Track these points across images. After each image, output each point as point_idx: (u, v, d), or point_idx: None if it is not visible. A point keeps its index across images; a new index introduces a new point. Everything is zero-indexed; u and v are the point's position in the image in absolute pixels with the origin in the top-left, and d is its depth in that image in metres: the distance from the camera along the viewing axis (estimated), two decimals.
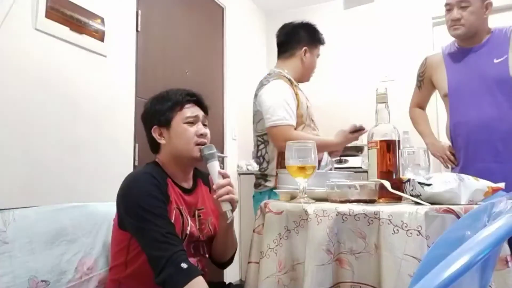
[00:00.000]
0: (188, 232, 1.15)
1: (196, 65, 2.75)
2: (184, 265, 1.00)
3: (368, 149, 1.14)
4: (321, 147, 1.61)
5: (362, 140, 3.10)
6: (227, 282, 1.44)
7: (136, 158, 2.10)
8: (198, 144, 1.17)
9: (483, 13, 1.71)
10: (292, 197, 1.15)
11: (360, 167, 2.90)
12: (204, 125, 1.23)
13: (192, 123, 1.19)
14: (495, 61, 1.67)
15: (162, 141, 1.19)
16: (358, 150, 3.06)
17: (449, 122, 1.84)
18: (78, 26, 1.77)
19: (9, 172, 1.48)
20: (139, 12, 2.22)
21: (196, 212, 1.22)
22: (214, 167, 1.15)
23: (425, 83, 1.95)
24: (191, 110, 1.20)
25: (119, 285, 1.18)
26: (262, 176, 1.73)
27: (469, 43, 1.76)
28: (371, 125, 1.18)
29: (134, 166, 2.05)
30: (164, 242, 1.03)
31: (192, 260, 1.14)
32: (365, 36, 3.46)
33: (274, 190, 1.55)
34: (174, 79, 2.52)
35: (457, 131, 1.79)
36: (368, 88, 3.19)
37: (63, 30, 1.70)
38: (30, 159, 1.56)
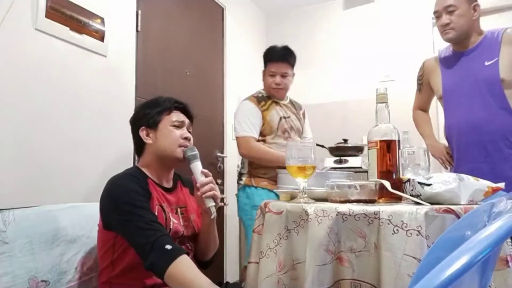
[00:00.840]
0: (171, 228, 1.19)
1: (196, 65, 2.75)
2: (168, 247, 1.05)
3: (368, 149, 1.14)
4: (269, 160, 1.93)
5: (363, 140, 3.12)
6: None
7: (136, 158, 2.09)
8: (181, 146, 1.25)
9: (471, 15, 1.74)
10: (292, 197, 1.15)
11: (360, 167, 2.90)
12: (189, 131, 1.32)
13: (178, 127, 1.28)
14: (486, 63, 1.70)
15: (148, 141, 1.27)
16: (358, 150, 3.06)
17: (444, 124, 1.88)
18: (78, 26, 1.77)
19: (9, 172, 1.48)
20: (139, 12, 2.22)
21: (179, 210, 1.28)
22: (197, 167, 1.23)
23: (424, 86, 1.99)
24: (178, 115, 1.30)
25: (110, 286, 1.19)
26: (239, 175, 2.11)
27: (462, 46, 1.79)
28: (371, 125, 1.18)
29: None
30: (148, 229, 1.08)
31: None
32: (365, 36, 3.46)
33: (247, 187, 1.99)
34: (174, 79, 2.52)
35: (450, 132, 1.83)
36: (368, 88, 3.20)
37: (63, 30, 1.70)
38: (30, 159, 1.56)
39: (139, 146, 1.30)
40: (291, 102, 2.20)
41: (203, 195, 1.19)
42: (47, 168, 1.62)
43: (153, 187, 1.23)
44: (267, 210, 1.08)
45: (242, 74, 3.33)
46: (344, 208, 0.94)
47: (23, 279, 1.11)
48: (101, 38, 1.90)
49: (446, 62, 1.86)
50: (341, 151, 3.08)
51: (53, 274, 1.20)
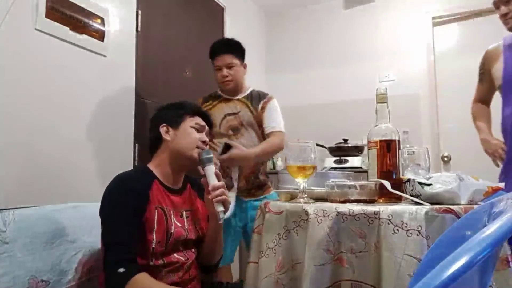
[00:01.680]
0: (172, 231, 1.18)
1: (196, 65, 2.75)
2: (121, 270, 1.05)
3: (368, 149, 1.14)
4: None
5: (363, 140, 3.12)
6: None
7: (136, 158, 2.10)
8: (197, 148, 1.27)
9: None
10: (292, 197, 1.15)
11: (360, 167, 2.90)
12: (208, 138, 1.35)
13: (198, 130, 1.31)
14: None
15: (167, 137, 1.28)
16: (358, 150, 3.06)
17: (502, 114, 1.79)
18: (78, 26, 1.77)
19: (9, 172, 1.48)
20: (139, 12, 2.22)
21: (184, 213, 1.27)
22: (210, 170, 1.23)
23: (485, 76, 1.91)
24: (200, 120, 1.33)
25: None
26: None
27: None
28: (371, 125, 1.18)
29: (134, 166, 2.05)
30: (113, 245, 1.09)
31: (181, 255, 1.21)
32: (365, 36, 3.46)
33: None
34: (174, 79, 2.52)
35: (506, 123, 1.75)
36: (368, 88, 3.20)
37: (63, 30, 1.70)
38: (30, 159, 1.56)
39: (155, 143, 1.31)
40: (250, 95, 2.05)
41: (214, 199, 1.18)
42: (47, 168, 1.62)
43: (156, 188, 1.22)
44: (267, 210, 1.08)
45: None
46: (344, 208, 0.94)
47: (23, 279, 1.11)
48: (101, 38, 1.90)
49: (510, 49, 1.79)
50: (341, 151, 3.08)
51: (53, 274, 1.19)
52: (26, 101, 1.56)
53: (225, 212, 1.20)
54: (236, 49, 2.01)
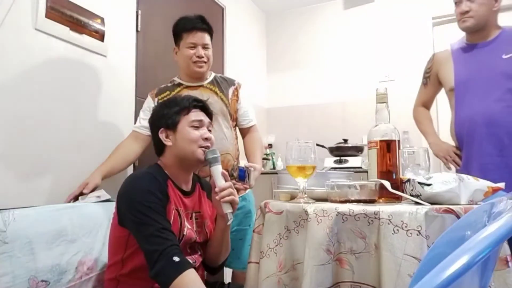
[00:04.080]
0: (185, 233, 1.17)
1: None
2: (176, 258, 1.03)
3: (368, 149, 1.14)
4: None
5: (363, 140, 3.11)
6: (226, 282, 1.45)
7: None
8: (201, 147, 1.22)
9: (492, 5, 1.72)
10: (292, 197, 1.15)
11: (360, 167, 2.90)
12: (209, 130, 1.28)
13: (197, 127, 1.24)
14: (504, 56, 1.68)
15: (168, 142, 1.24)
16: (358, 150, 3.06)
17: (454, 117, 1.82)
18: (78, 26, 1.77)
19: (9, 172, 1.48)
20: (139, 12, 2.22)
21: (194, 215, 1.25)
22: (217, 170, 1.19)
23: (431, 79, 1.93)
24: (196, 115, 1.26)
25: (118, 283, 1.18)
26: None
27: (478, 37, 1.76)
28: (371, 125, 1.18)
29: (134, 167, 2.05)
30: (159, 237, 1.06)
31: (189, 258, 1.17)
32: (365, 36, 3.46)
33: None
34: None
35: (461, 126, 1.77)
36: (368, 88, 3.20)
37: (63, 30, 1.70)
38: (30, 159, 1.56)
39: (159, 147, 1.27)
40: (215, 80, 1.81)
41: (221, 200, 1.16)
42: (47, 168, 1.62)
43: (172, 190, 1.20)
44: (267, 210, 1.08)
45: (242, 74, 3.33)
46: (344, 208, 0.94)
47: (23, 279, 1.11)
48: (101, 38, 1.90)
49: (460, 53, 1.81)
50: (341, 151, 3.08)
51: (53, 274, 1.19)
52: (26, 101, 1.56)
53: (232, 212, 1.18)
54: (211, 30, 1.79)
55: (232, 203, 1.17)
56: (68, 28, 1.72)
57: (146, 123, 1.69)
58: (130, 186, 1.16)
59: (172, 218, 1.15)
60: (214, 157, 1.20)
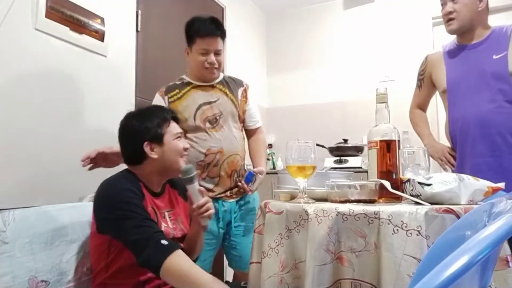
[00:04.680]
0: (162, 230, 1.20)
1: None
2: (164, 242, 1.08)
3: (368, 149, 1.14)
4: None
5: (363, 140, 3.11)
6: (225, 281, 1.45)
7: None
8: (182, 156, 1.30)
9: (476, 6, 1.72)
10: (292, 197, 1.15)
11: (360, 167, 2.90)
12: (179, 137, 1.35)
13: (179, 137, 1.31)
14: (494, 57, 1.68)
15: (153, 155, 1.25)
16: (358, 150, 3.06)
17: (447, 118, 1.83)
18: (78, 26, 1.77)
19: (9, 172, 1.48)
20: (139, 12, 2.22)
21: (166, 214, 1.30)
22: (194, 188, 1.24)
23: (425, 81, 1.95)
24: (176, 126, 1.32)
25: (105, 286, 1.20)
26: None
27: (467, 38, 1.77)
28: (371, 125, 1.18)
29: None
30: (142, 226, 1.10)
31: None
32: (365, 36, 3.47)
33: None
34: (174, 79, 2.52)
35: (454, 126, 1.78)
36: (368, 88, 3.20)
37: (63, 30, 1.70)
38: (30, 159, 1.56)
39: (139, 159, 1.27)
40: (224, 81, 1.78)
41: (200, 216, 1.23)
42: (47, 168, 1.62)
43: (144, 190, 1.24)
44: (267, 210, 1.08)
45: (242, 74, 3.33)
46: (344, 208, 0.94)
47: (23, 279, 1.11)
48: (101, 38, 1.90)
49: (451, 55, 1.83)
50: (341, 151, 3.08)
51: (53, 274, 1.19)
52: (26, 101, 1.56)
53: (208, 219, 1.26)
54: (224, 33, 1.71)
55: (209, 217, 1.24)
56: (68, 28, 1.72)
57: None
58: (106, 188, 1.20)
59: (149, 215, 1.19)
60: (190, 178, 1.23)
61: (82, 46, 1.81)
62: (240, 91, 1.79)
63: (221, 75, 1.79)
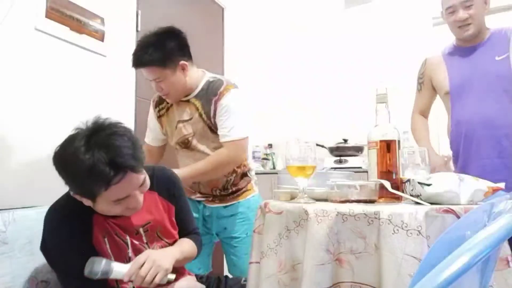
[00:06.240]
0: (130, 255, 1.11)
1: (195, 65, 2.74)
2: None
3: (368, 149, 1.14)
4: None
5: (363, 140, 3.11)
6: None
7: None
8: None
9: (484, 9, 1.73)
10: (292, 197, 1.14)
11: (360, 167, 2.90)
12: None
13: (122, 199, 1.02)
14: (497, 58, 1.68)
15: (87, 203, 1.04)
16: (358, 150, 3.06)
17: (450, 121, 1.82)
18: (78, 26, 1.77)
19: (9, 172, 1.48)
20: (139, 12, 2.22)
21: (141, 229, 1.16)
22: (114, 276, 1.03)
23: (425, 84, 1.94)
24: (121, 188, 0.97)
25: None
26: None
27: (470, 41, 1.77)
28: (371, 125, 1.18)
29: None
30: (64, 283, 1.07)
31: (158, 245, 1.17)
32: (365, 36, 3.46)
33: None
34: None
35: (458, 129, 1.77)
36: (368, 88, 3.20)
37: (63, 30, 1.70)
38: (30, 159, 1.56)
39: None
40: (203, 92, 1.58)
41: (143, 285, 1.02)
42: (47, 168, 1.62)
43: (97, 218, 1.09)
44: (267, 210, 1.08)
45: (242, 74, 3.33)
46: (344, 208, 0.94)
47: (23, 279, 1.11)
48: (101, 38, 1.90)
49: (452, 57, 1.82)
50: (341, 151, 3.08)
51: (53, 274, 1.19)
52: (26, 101, 1.56)
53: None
54: (159, 56, 1.47)
55: (156, 276, 1.01)
56: (68, 28, 1.72)
57: (151, 135, 1.76)
58: (44, 222, 1.08)
59: (107, 244, 1.09)
60: (104, 273, 1.01)
61: (82, 46, 1.81)
62: (213, 101, 1.56)
63: (204, 80, 1.62)
